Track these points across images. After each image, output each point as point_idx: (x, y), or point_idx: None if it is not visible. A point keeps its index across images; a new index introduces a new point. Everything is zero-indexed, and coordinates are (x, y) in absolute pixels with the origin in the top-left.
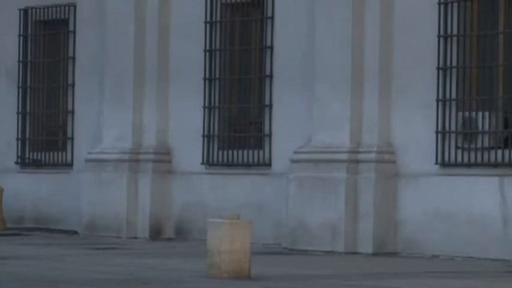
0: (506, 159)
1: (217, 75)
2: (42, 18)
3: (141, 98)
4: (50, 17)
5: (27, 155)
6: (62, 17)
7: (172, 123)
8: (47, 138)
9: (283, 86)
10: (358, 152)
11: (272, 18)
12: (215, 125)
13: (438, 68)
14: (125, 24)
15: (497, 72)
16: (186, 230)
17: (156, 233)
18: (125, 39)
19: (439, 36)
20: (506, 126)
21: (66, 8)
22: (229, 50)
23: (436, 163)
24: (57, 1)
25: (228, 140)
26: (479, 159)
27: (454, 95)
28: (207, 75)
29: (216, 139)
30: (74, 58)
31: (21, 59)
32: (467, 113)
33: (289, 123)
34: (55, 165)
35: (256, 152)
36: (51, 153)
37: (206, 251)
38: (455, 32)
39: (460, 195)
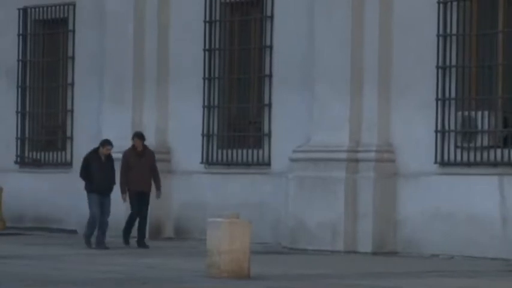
0: (506, 159)
1: (216, 75)
2: (41, 18)
3: (141, 97)
4: (49, 17)
5: (26, 155)
6: (62, 16)
7: (172, 123)
8: (46, 137)
9: (282, 86)
10: (358, 152)
11: (272, 17)
12: (215, 124)
13: (438, 68)
14: (125, 24)
15: (496, 71)
16: (186, 230)
17: (155, 232)
18: (124, 39)
19: (438, 36)
20: (505, 125)
21: (66, 7)
22: (228, 50)
23: (436, 162)
24: (57, 0)
25: (227, 139)
26: (478, 159)
27: (453, 95)
28: (207, 75)
29: (215, 138)
30: (73, 57)
31: (20, 58)
32: (466, 113)
33: (288, 123)
34: (54, 165)
35: (255, 152)
36: (51, 153)
37: (206, 251)
38: (454, 31)
39: (459, 194)
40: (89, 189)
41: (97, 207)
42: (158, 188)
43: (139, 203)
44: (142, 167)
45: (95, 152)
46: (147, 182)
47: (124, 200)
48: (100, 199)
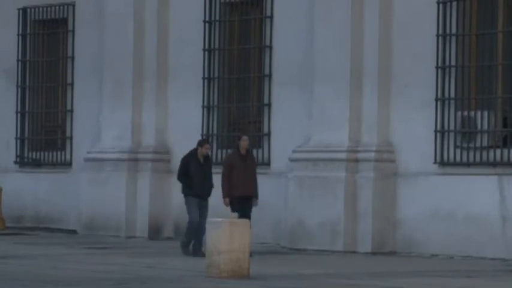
0: (505, 158)
1: (216, 75)
2: (41, 18)
3: (140, 97)
4: (49, 16)
5: (26, 155)
6: (61, 16)
7: (171, 123)
8: (46, 137)
9: (282, 86)
10: (357, 151)
11: (271, 17)
12: (214, 124)
13: (437, 67)
14: (124, 24)
15: (496, 71)
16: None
17: (155, 232)
18: (124, 39)
19: (438, 35)
20: (505, 125)
21: (65, 7)
22: (228, 50)
23: (435, 162)
24: (57, 0)
25: (227, 139)
26: (478, 159)
27: (453, 94)
28: (206, 75)
29: (215, 138)
30: (73, 57)
31: (20, 58)
32: (466, 112)
33: (288, 123)
34: (54, 165)
35: (255, 152)
36: (50, 153)
37: (205, 251)
38: (454, 31)
39: (459, 194)
40: (188, 193)
41: (197, 212)
42: (256, 195)
43: (243, 208)
44: (247, 171)
45: (193, 154)
46: (252, 185)
47: (227, 204)
48: (199, 203)
